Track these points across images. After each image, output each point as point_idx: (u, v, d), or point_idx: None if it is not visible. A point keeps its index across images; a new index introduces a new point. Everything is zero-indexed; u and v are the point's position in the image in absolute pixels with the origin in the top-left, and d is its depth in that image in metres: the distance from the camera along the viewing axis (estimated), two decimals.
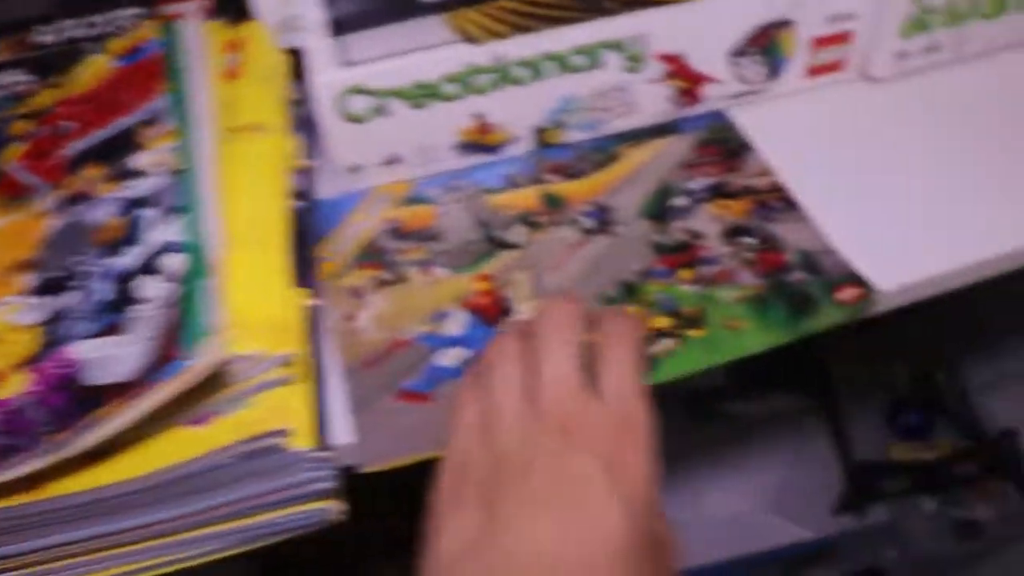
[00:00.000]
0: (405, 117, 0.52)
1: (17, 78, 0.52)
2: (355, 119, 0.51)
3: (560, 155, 0.56)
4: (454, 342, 0.46)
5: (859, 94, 0.59)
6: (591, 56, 0.52)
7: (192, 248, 0.38)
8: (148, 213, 0.41)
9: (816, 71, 0.58)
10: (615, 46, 0.53)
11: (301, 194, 0.47)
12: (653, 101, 0.56)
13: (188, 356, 0.34)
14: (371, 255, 0.51)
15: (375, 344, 0.47)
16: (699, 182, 0.54)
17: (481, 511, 0.33)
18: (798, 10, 0.54)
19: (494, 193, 0.54)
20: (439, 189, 0.55)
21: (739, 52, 0.55)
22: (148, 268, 0.38)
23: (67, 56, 0.52)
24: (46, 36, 0.53)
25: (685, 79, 0.56)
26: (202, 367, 0.33)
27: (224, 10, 0.54)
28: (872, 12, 0.56)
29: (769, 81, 0.58)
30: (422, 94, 0.51)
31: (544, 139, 0.56)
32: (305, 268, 0.44)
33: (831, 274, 0.48)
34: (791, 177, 0.54)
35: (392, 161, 0.54)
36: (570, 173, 0.55)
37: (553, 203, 0.53)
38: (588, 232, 0.52)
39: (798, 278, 0.48)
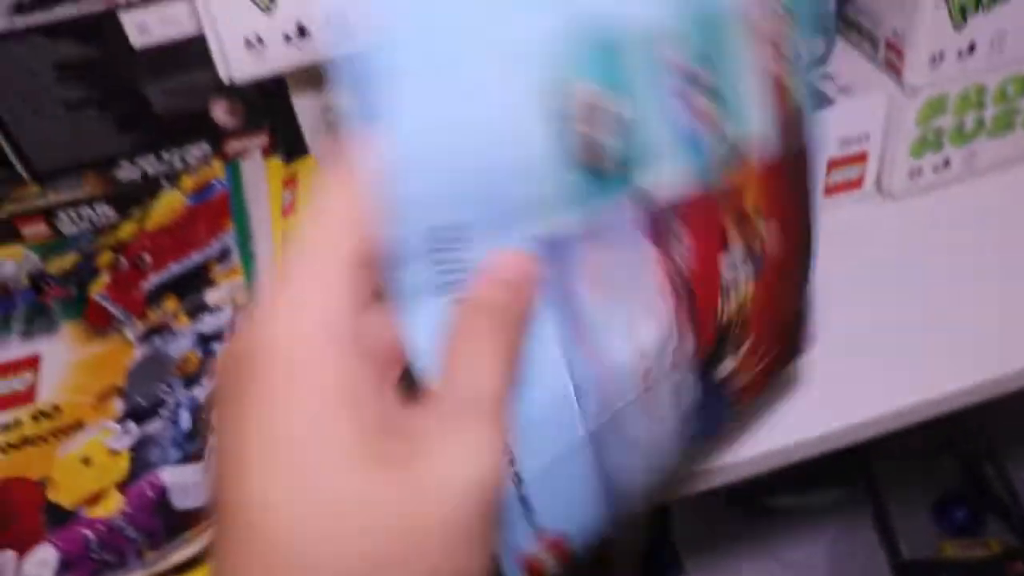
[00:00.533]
0: None
1: (102, 212, 0.58)
2: None
3: None
4: None
5: (876, 209, 0.63)
6: None
7: None
8: (220, 348, 0.45)
9: (833, 190, 0.62)
10: None
11: None
12: None
13: None
14: None
15: None
16: None
17: None
18: None
19: None
20: None
21: None
22: None
23: (144, 191, 0.58)
24: (125, 172, 0.59)
25: None
26: None
27: (280, 146, 0.59)
28: (884, 134, 0.60)
29: None
30: None
31: None
32: None
33: None
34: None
35: None
36: None
37: None
38: None
39: None
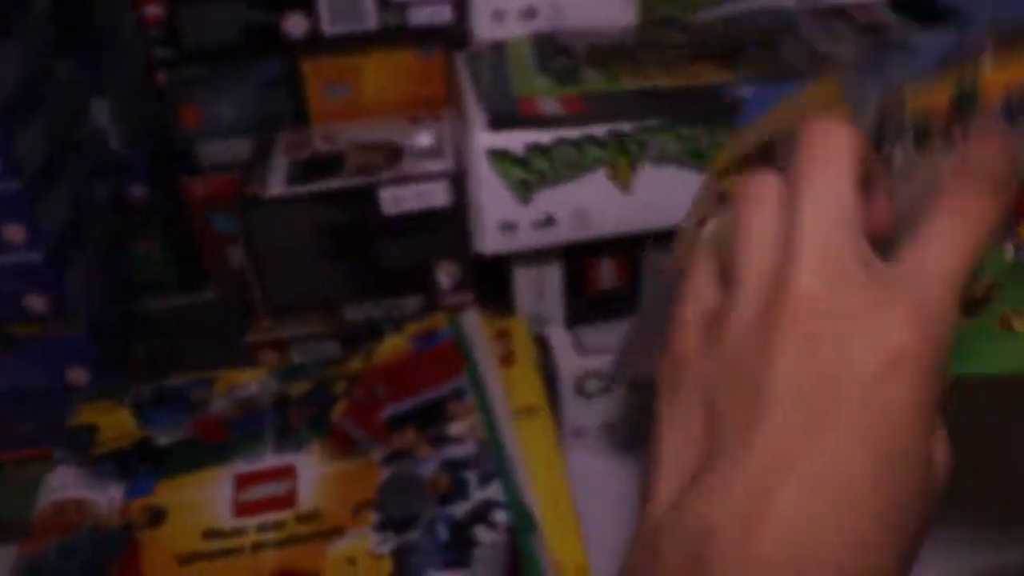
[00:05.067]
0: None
1: (329, 347, 0.68)
2: (587, 396, 0.66)
3: None
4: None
5: None
6: None
7: (514, 505, 0.51)
8: (468, 474, 0.54)
9: None
10: None
11: None
12: None
13: None
14: None
15: None
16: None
17: (700, 420, 0.27)
18: None
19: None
20: None
21: None
22: (479, 519, 0.51)
23: (368, 333, 0.68)
24: (350, 314, 0.69)
25: None
26: None
27: (486, 304, 0.70)
28: None
29: None
30: None
31: None
32: None
33: None
34: None
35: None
36: None
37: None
38: None
39: None
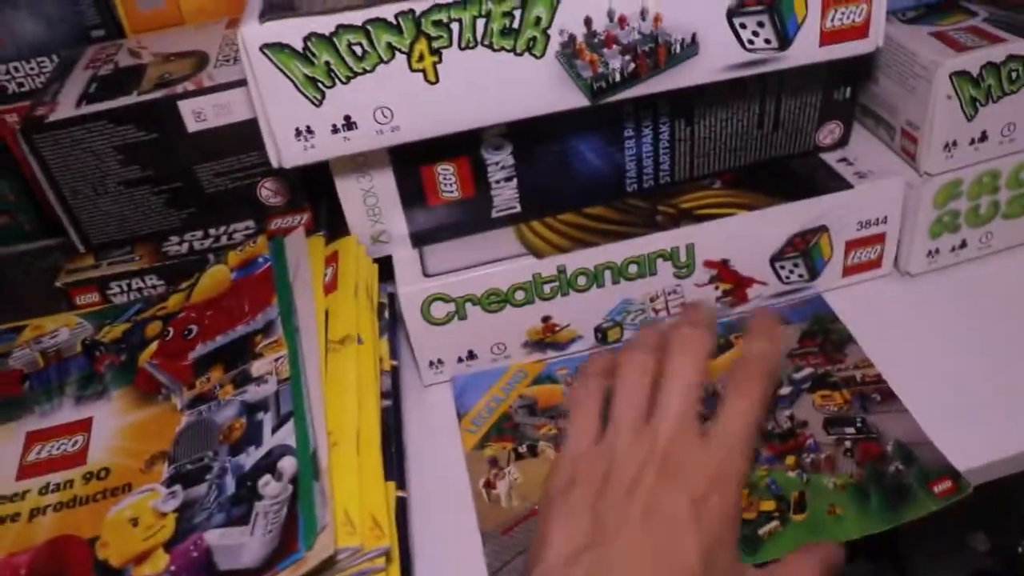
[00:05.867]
0: (480, 319, 0.59)
1: (151, 284, 0.61)
2: (436, 322, 0.59)
3: None
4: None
5: (894, 287, 0.65)
6: (645, 265, 0.59)
7: (302, 452, 0.45)
8: (265, 417, 0.48)
9: (852, 270, 0.64)
10: (667, 255, 0.59)
11: (388, 393, 0.54)
12: (704, 302, 0.62)
13: (305, 549, 0.40)
14: (507, 428, 0.58)
15: (512, 512, 0.52)
16: (803, 372, 0.59)
17: (589, 517, 0.37)
18: (832, 217, 0.60)
19: None
20: (568, 369, 0.61)
21: (780, 257, 0.62)
22: (267, 468, 0.45)
23: (191, 265, 0.61)
24: (174, 246, 0.62)
25: (731, 282, 0.62)
26: (315, 559, 0.39)
27: (321, 225, 0.62)
28: (901, 216, 0.62)
29: (810, 281, 0.63)
30: (495, 300, 0.58)
31: (606, 337, 0.62)
32: (393, 462, 0.50)
33: (926, 466, 0.52)
34: (890, 366, 0.58)
35: (469, 357, 0.61)
36: None
37: None
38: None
39: (895, 469, 0.52)
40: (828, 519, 0.50)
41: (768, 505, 0.51)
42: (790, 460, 0.54)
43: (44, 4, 0.65)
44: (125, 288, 0.61)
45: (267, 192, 0.60)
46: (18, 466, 0.51)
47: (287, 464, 0.44)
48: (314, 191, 0.62)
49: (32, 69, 0.67)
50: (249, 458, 0.46)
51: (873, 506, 0.50)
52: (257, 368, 0.50)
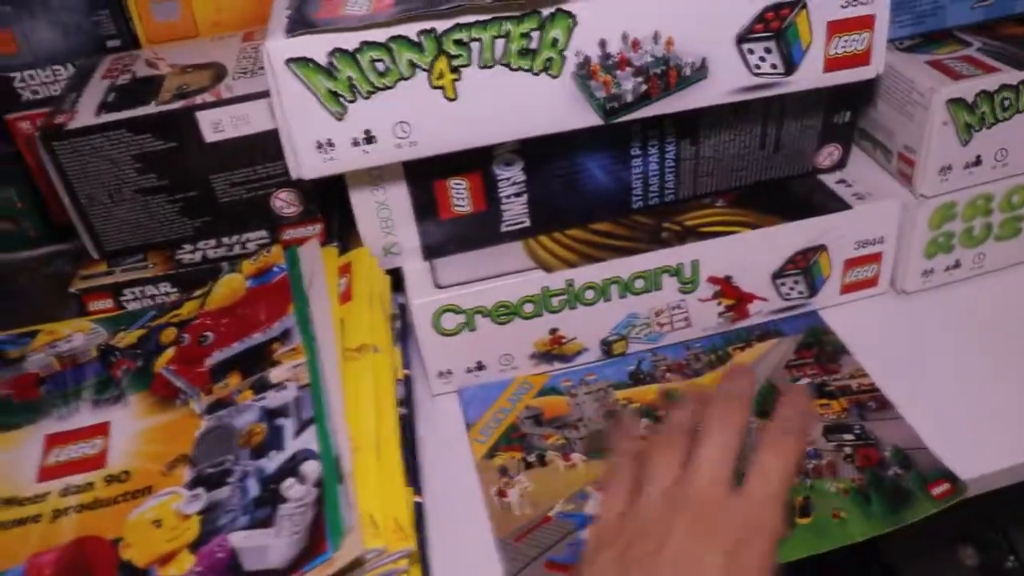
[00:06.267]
0: (489, 331, 0.60)
1: (164, 291, 0.62)
2: (446, 333, 0.60)
3: (677, 355, 0.64)
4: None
5: (889, 305, 0.67)
6: (651, 280, 0.61)
7: (326, 456, 0.46)
8: (285, 422, 0.49)
9: (849, 288, 0.66)
10: (672, 271, 0.61)
11: (402, 402, 0.55)
12: (706, 317, 0.64)
13: (332, 550, 0.41)
14: (516, 439, 0.59)
15: (525, 519, 0.54)
16: (801, 382, 0.61)
17: (616, 572, 0.37)
18: (831, 236, 0.62)
19: (620, 388, 0.62)
20: (572, 382, 0.63)
21: (781, 274, 0.63)
22: (290, 472, 0.46)
23: (205, 273, 0.62)
24: (188, 255, 0.63)
25: (733, 298, 0.64)
26: (342, 560, 0.40)
27: (334, 237, 0.64)
28: (898, 237, 0.64)
29: (809, 298, 0.65)
30: (504, 312, 0.60)
31: (611, 350, 0.64)
32: (410, 468, 0.51)
33: (924, 470, 0.54)
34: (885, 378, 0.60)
35: (477, 367, 0.62)
36: (686, 372, 0.63)
37: (672, 399, 0.60)
38: None
39: (894, 473, 0.54)
40: (832, 522, 0.52)
41: None
42: None
43: (62, 13, 0.66)
44: (139, 295, 0.62)
45: (281, 203, 0.61)
46: (38, 468, 0.51)
47: (310, 468, 0.45)
48: (326, 203, 0.63)
49: (47, 77, 0.68)
50: (271, 462, 0.47)
51: (875, 509, 0.52)
52: (276, 375, 0.51)
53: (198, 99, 0.58)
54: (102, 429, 0.53)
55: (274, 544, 0.43)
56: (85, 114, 0.59)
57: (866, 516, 0.52)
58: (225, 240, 0.63)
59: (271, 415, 0.50)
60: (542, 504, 0.55)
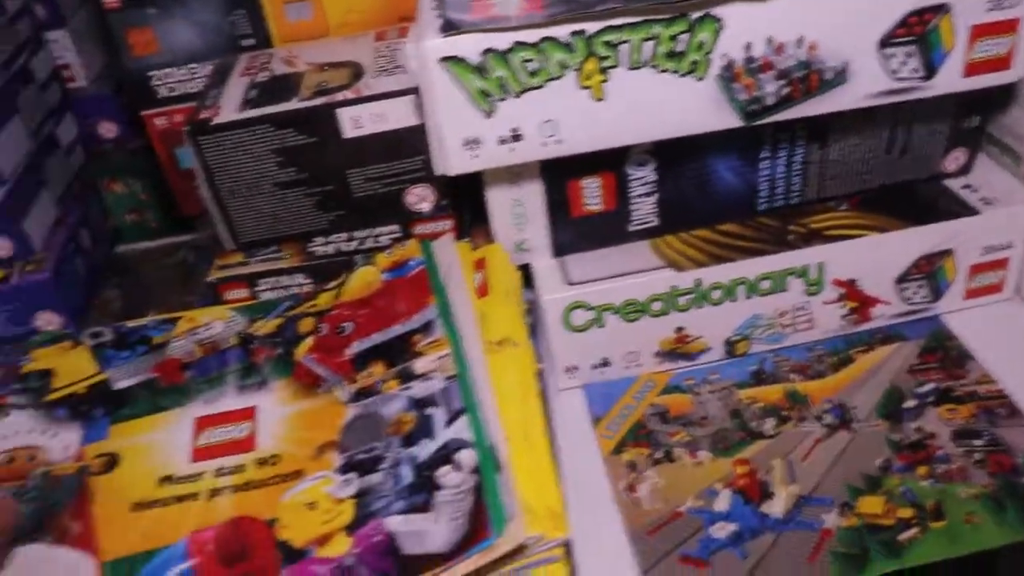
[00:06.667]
0: (617, 328, 0.61)
1: (298, 281, 0.64)
2: (575, 329, 0.61)
3: (799, 356, 0.64)
4: (723, 517, 0.54)
5: (1015, 311, 0.66)
6: (777, 281, 0.61)
7: (481, 445, 0.47)
8: (435, 412, 0.50)
9: (974, 293, 0.66)
10: (798, 273, 0.61)
11: (539, 394, 0.56)
12: (829, 319, 0.64)
13: (496, 535, 0.42)
14: (642, 435, 0.60)
15: (656, 514, 0.54)
16: (926, 387, 0.61)
17: None
18: (958, 241, 0.62)
19: (743, 387, 0.62)
20: (695, 380, 0.63)
21: (905, 278, 0.63)
22: (444, 460, 0.47)
23: (339, 265, 0.64)
24: (320, 247, 0.65)
25: (857, 301, 0.64)
26: (505, 545, 0.42)
27: (465, 232, 0.65)
28: None
29: (932, 303, 0.65)
30: (633, 310, 0.60)
31: (734, 350, 0.64)
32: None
33: None
34: (1013, 384, 0.60)
35: (603, 364, 0.63)
36: (809, 373, 0.63)
37: (796, 399, 0.61)
38: (830, 427, 0.58)
39: None
40: (966, 528, 0.51)
41: (906, 512, 0.53)
42: (922, 470, 0.55)
43: (200, 13, 0.68)
44: (273, 285, 0.64)
45: (414, 198, 0.63)
46: (191, 449, 0.53)
47: (466, 456, 0.46)
48: (457, 199, 0.64)
49: (183, 75, 0.70)
50: (423, 450, 0.48)
51: (1010, 517, 0.52)
52: (421, 366, 0.53)
53: (339, 96, 0.60)
54: (249, 413, 0.55)
55: (433, 529, 0.44)
56: (229, 110, 0.61)
57: (1002, 523, 0.52)
58: (356, 234, 0.65)
59: (419, 404, 0.51)
60: (672, 499, 0.55)
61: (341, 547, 0.45)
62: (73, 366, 0.60)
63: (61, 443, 0.55)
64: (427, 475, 0.47)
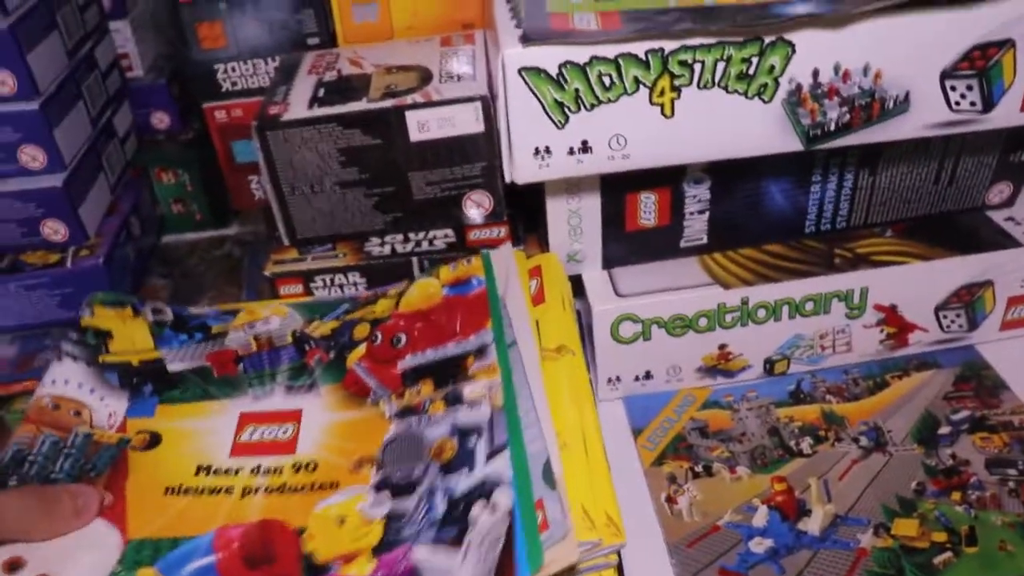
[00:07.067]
0: (662, 342, 0.62)
1: (353, 280, 0.65)
2: (622, 341, 0.62)
3: (835, 378, 0.66)
4: (760, 533, 0.55)
5: None
6: (821, 303, 0.63)
7: (520, 483, 0.45)
8: (478, 443, 0.49)
9: (1010, 325, 0.67)
10: (842, 296, 0.63)
11: None
12: (867, 343, 0.65)
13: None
14: (683, 448, 0.61)
15: (695, 527, 0.56)
16: (960, 414, 0.62)
17: None
18: (999, 272, 0.64)
19: (781, 406, 0.64)
20: (733, 397, 0.65)
21: (944, 306, 0.65)
22: (479, 496, 0.45)
23: (394, 267, 0.65)
24: (376, 247, 0.66)
25: (896, 326, 0.65)
26: (556, 566, 0.40)
27: (520, 240, 0.66)
28: None
29: (968, 332, 0.67)
30: (679, 325, 0.62)
31: (773, 369, 0.65)
32: None
33: None
34: None
35: (645, 376, 0.64)
36: (845, 396, 0.64)
37: (833, 420, 0.62)
38: (865, 449, 0.60)
39: None
40: (1000, 555, 0.53)
41: (940, 536, 0.54)
42: (956, 496, 0.56)
43: (270, 10, 0.69)
44: (328, 283, 0.65)
45: (472, 204, 0.64)
46: (232, 443, 0.54)
47: (503, 498, 0.45)
48: (516, 207, 0.66)
49: (247, 70, 0.72)
50: (461, 482, 0.47)
51: None
52: (470, 391, 0.52)
53: (408, 99, 0.61)
54: (295, 416, 0.55)
55: (457, 566, 0.42)
56: (297, 107, 0.62)
57: None
58: (412, 236, 0.66)
59: (462, 432, 0.50)
60: (711, 513, 0.57)
61: (364, 569, 0.44)
62: (130, 336, 0.60)
63: (107, 409, 0.56)
64: (461, 510, 0.45)
